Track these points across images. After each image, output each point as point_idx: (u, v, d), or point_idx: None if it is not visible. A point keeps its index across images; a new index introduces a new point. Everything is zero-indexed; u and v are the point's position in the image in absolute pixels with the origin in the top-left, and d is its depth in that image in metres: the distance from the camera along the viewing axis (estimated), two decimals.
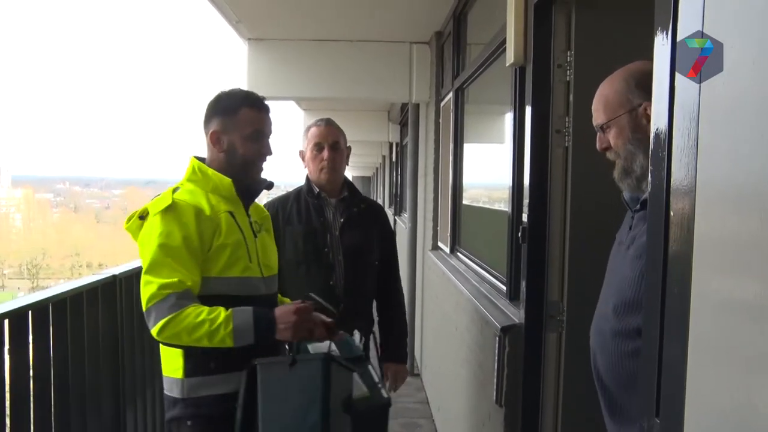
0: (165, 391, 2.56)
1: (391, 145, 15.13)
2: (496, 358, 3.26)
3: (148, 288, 2.34)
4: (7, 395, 2.50)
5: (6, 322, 2.52)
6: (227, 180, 2.55)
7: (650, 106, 1.84)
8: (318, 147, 3.45)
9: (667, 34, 1.27)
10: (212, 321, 2.32)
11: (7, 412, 2.50)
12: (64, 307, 2.85)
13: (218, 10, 6.09)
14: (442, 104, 6.44)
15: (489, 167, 5.03)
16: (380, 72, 7.09)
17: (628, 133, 1.97)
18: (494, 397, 3.29)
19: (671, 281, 1.21)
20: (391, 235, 3.80)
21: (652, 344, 1.28)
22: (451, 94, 5.81)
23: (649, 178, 1.35)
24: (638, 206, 1.97)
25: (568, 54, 2.91)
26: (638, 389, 1.37)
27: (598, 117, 2.06)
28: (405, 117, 10.55)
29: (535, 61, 2.99)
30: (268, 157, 2.66)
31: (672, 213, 1.20)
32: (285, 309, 2.49)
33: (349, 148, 3.60)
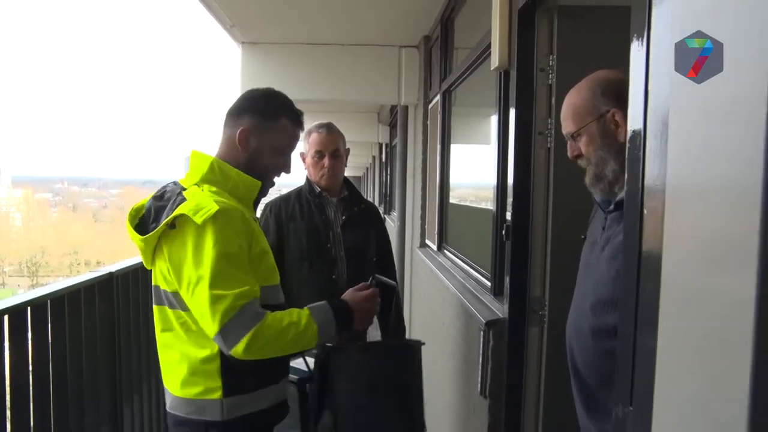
0: (187, 415, 2.25)
1: (380, 145, 15.14)
2: (481, 351, 3.28)
3: (221, 303, 2.03)
4: (8, 388, 2.50)
5: (6, 318, 2.52)
6: (257, 183, 2.32)
7: (618, 112, 1.90)
8: (319, 154, 3.50)
9: (642, 40, 1.29)
10: (297, 324, 2.15)
11: (8, 404, 2.50)
12: (62, 303, 2.85)
13: (213, 15, 6.09)
14: (429, 106, 6.44)
15: (475, 167, 5.04)
16: (370, 75, 7.10)
17: (598, 139, 1.98)
18: (479, 389, 3.31)
19: (645, 277, 1.23)
20: (385, 233, 3.87)
21: (627, 337, 1.30)
22: (438, 97, 5.82)
23: (626, 179, 1.37)
24: (612, 207, 1.98)
25: (551, 58, 2.93)
26: (615, 380, 1.39)
27: (567, 126, 2.06)
28: (394, 118, 10.56)
29: (518, 65, 3.01)
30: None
31: (646, 212, 1.22)
32: (356, 297, 2.40)
33: (348, 150, 3.64)
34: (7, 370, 2.50)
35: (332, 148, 3.51)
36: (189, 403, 2.24)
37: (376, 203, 16.65)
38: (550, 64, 2.92)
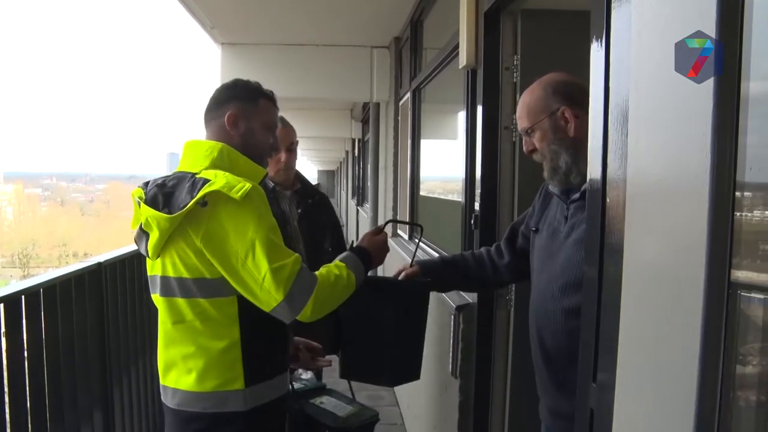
0: (203, 410, 2.12)
1: (353, 141, 15.12)
2: (452, 334, 3.30)
3: (282, 272, 1.96)
4: (5, 373, 2.47)
5: (1, 306, 2.50)
6: (263, 170, 2.27)
7: (567, 109, 1.99)
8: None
9: (601, 42, 1.30)
10: (340, 276, 2.11)
11: (5, 388, 2.48)
12: (54, 292, 2.82)
13: (194, 16, 6.04)
14: (400, 103, 6.45)
15: (444, 161, 5.06)
16: (344, 74, 7.09)
17: (551, 134, 2.05)
18: (450, 370, 3.33)
19: (608, 261, 1.24)
20: (338, 222, 3.78)
21: (590, 318, 1.31)
22: (408, 94, 5.83)
23: (588, 171, 1.38)
24: (577, 196, 2.02)
25: (515, 58, 2.95)
26: (580, 359, 1.41)
27: (522, 123, 2.13)
28: (366, 115, 10.56)
29: (485, 64, 3.02)
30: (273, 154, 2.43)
31: (608, 201, 1.24)
32: (373, 242, 2.36)
33: (297, 142, 3.50)
34: (4, 355, 2.48)
35: (288, 142, 3.33)
36: (207, 396, 2.11)
37: (350, 196, 16.64)
38: (515, 63, 2.95)
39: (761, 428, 0.89)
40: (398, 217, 6.49)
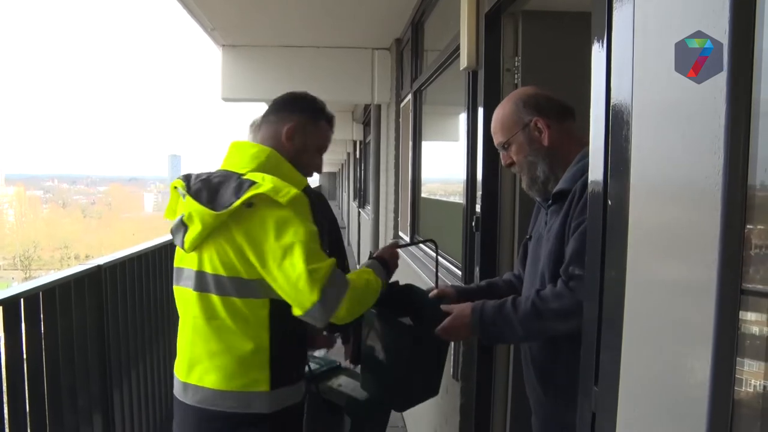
0: (227, 409, 2.12)
1: (355, 143, 15.12)
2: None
3: (317, 274, 1.99)
4: (4, 375, 2.47)
5: (0, 309, 2.50)
6: (304, 180, 2.31)
7: (540, 119, 2.07)
8: None
9: (602, 43, 1.29)
10: (369, 281, 2.19)
11: (5, 391, 2.48)
12: (53, 295, 2.82)
13: (195, 19, 6.04)
14: (401, 105, 6.44)
15: (445, 163, 5.04)
16: (345, 76, 7.08)
17: (526, 146, 2.13)
18: (451, 372, 3.31)
19: (609, 265, 1.23)
20: (335, 221, 3.79)
21: (591, 320, 1.30)
22: (410, 96, 5.82)
23: (590, 173, 1.37)
24: (550, 201, 2.11)
25: (516, 59, 2.94)
26: (580, 363, 1.39)
27: (498, 138, 2.21)
28: (368, 117, 10.56)
29: (486, 66, 3.01)
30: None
31: (610, 203, 1.22)
32: (387, 253, 2.44)
33: None
34: (3, 358, 2.48)
35: None
36: (231, 396, 2.12)
37: (351, 198, 16.64)
38: (516, 64, 2.94)
39: None
40: (399, 219, 6.49)
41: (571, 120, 2.16)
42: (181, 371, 2.24)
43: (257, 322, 2.10)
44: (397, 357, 2.39)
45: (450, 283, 2.63)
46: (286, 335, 2.17)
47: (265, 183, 2.03)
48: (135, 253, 3.80)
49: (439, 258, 2.63)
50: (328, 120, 2.41)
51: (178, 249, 2.28)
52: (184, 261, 2.22)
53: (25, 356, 2.61)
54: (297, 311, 2.03)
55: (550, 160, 2.10)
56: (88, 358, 3.14)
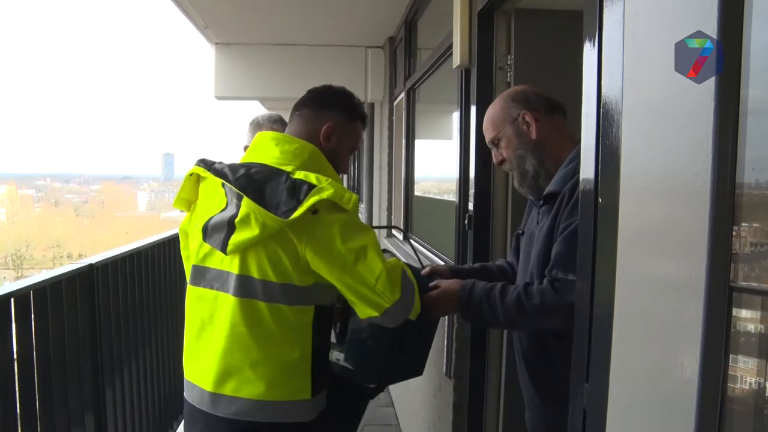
0: (267, 419, 2.00)
1: None
2: (446, 334, 3.29)
3: (394, 273, 1.97)
4: None
5: None
6: (341, 182, 2.12)
7: (528, 113, 2.11)
8: None
9: (594, 41, 1.29)
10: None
11: None
12: (44, 294, 2.80)
13: (187, 16, 6.03)
14: (395, 103, 6.45)
15: (439, 161, 5.05)
16: (338, 74, 7.06)
17: (515, 140, 2.16)
18: (444, 370, 3.32)
19: (600, 263, 1.23)
20: None
21: (583, 316, 1.31)
22: (403, 94, 5.83)
23: (581, 170, 1.37)
24: (541, 202, 2.12)
25: (509, 57, 2.95)
26: (572, 360, 1.40)
27: (488, 134, 2.25)
28: None
29: (479, 64, 3.01)
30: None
31: (600, 201, 1.23)
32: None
33: None
34: None
35: None
36: (274, 406, 2.00)
37: None
38: (509, 62, 2.95)
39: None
40: (393, 218, 6.50)
41: (560, 114, 2.18)
42: (206, 381, 2.05)
43: (302, 328, 2.02)
44: (379, 330, 2.35)
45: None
46: (324, 340, 2.12)
47: (326, 187, 1.90)
48: (127, 251, 3.78)
49: (420, 247, 2.58)
50: (363, 121, 2.33)
51: (191, 245, 2.17)
52: (210, 260, 2.08)
53: (15, 356, 2.60)
54: (370, 313, 1.98)
55: (538, 153, 2.13)
56: (79, 357, 3.13)
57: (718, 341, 0.87)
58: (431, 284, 2.22)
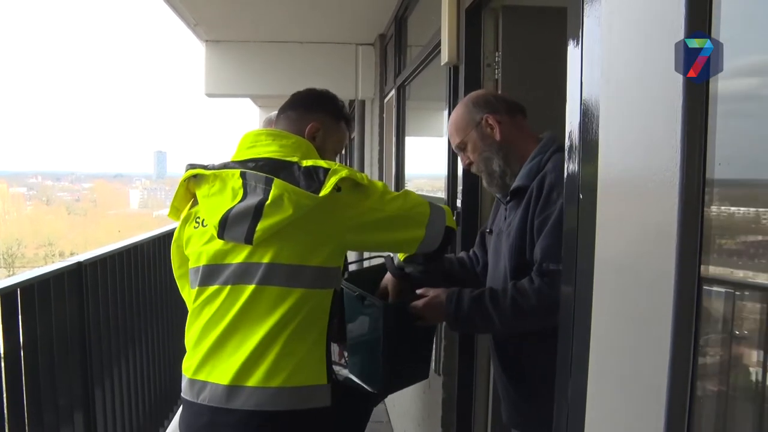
0: (288, 407, 1.97)
1: None
2: (435, 331, 3.30)
3: (422, 207, 2.13)
4: None
5: None
6: None
7: (490, 116, 2.17)
8: None
9: (576, 39, 1.30)
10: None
11: None
12: (32, 292, 2.79)
13: (178, 14, 6.02)
14: (385, 100, 6.45)
15: (432, 159, 5.06)
16: (329, 71, 7.06)
17: (480, 143, 2.22)
18: (433, 368, 3.33)
19: (581, 257, 1.24)
20: None
21: (567, 310, 1.32)
22: (393, 92, 5.83)
23: (565, 166, 1.38)
24: (508, 198, 2.19)
25: (497, 54, 2.96)
26: (557, 355, 1.41)
27: (454, 140, 2.31)
28: (352, 112, 10.55)
29: (467, 61, 3.02)
30: None
31: (581, 196, 1.24)
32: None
33: None
34: None
35: None
36: (297, 392, 1.98)
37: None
38: (496, 59, 2.96)
39: (730, 418, 0.90)
40: None
41: (521, 115, 2.26)
42: (222, 376, 1.99)
43: (322, 313, 2.03)
44: (372, 336, 2.38)
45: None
46: (332, 326, 2.10)
47: (339, 168, 1.97)
48: (117, 249, 3.77)
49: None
50: (347, 121, 2.38)
51: (195, 248, 2.11)
52: (229, 257, 2.02)
53: (2, 354, 2.59)
54: (417, 233, 2.12)
55: (504, 153, 2.19)
56: (68, 356, 3.12)
57: (688, 332, 0.89)
58: (418, 291, 2.23)
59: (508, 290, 2.03)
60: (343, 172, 1.95)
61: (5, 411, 2.57)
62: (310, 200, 1.92)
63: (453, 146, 2.33)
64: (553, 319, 1.85)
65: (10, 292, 2.66)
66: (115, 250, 3.75)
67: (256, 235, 1.94)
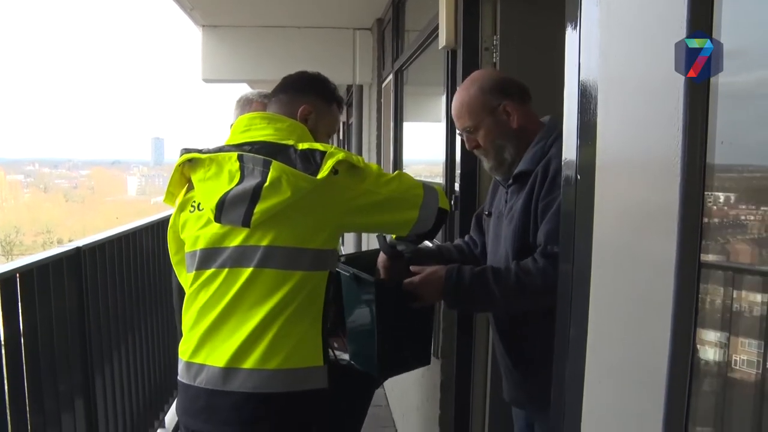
0: (285, 389, 1.98)
1: None
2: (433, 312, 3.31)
3: (416, 189, 2.16)
4: None
5: None
6: None
7: (508, 103, 2.12)
8: None
9: (575, 23, 1.30)
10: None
11: None
12: (31, 278, 2.79)
13: None
14: (383, 85, 6.43)
15: (430, 144, 5.05)
16: (326, 56, 7.04)
17: (495, 130, 2.16)
18: (431, 350, 3.34)
19: (578, 240, 1.25)
20: None
21: (565, 293, 1.32)
22: (391, 76, 5.81)
23: (563, 148, 1.38)
24: (511, 181, 2.17)
25: (495, 38, 2.95)
26: (555, 336, 1.41)
27: (464, 122, 2.22)
28: (350, 97, 10.52)
29: (464, 45, 3.02)
30: None
31: (579, 178, 1.24)
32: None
33: None
34: None
35: None
36: (293, 374, 1.99)
37: None
38: (494, 43, 2.95)
39: (728, 397, 0.90)
40: None
41: (529, 100, 2.22)
42: (218, 359, 2.00)
43: (319, 294, 2.05)
44: (368, 319, 2.37)
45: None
46: (327, 307, 2.10)
47: (335, 151, 1.99)
48: (116, 234, 3.77)
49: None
50: (339, 104, 2.37)
51: (191, 232, 2.11)
52: (226, 240, 2.02)
53: (2, 340, 2.60)
54: (411, 215, 2.14)
55: (517, 142, 2.15)
56: (68, 342, 3.12)
57: (688, 316, 0.88)
58: (413, 268, 2.22)
59: (511, 269, 2.03)
60: (340, 155, 1.97)
61: (6, 397, 2.57)
62: (308, 183, 1.93)
63: (459, 127, 2.26)
64: (554, 298, 1.87)
65: (9, 277, 2.66)
66: (114, 235, 3.75)
67: (253, 218, 1.95)
